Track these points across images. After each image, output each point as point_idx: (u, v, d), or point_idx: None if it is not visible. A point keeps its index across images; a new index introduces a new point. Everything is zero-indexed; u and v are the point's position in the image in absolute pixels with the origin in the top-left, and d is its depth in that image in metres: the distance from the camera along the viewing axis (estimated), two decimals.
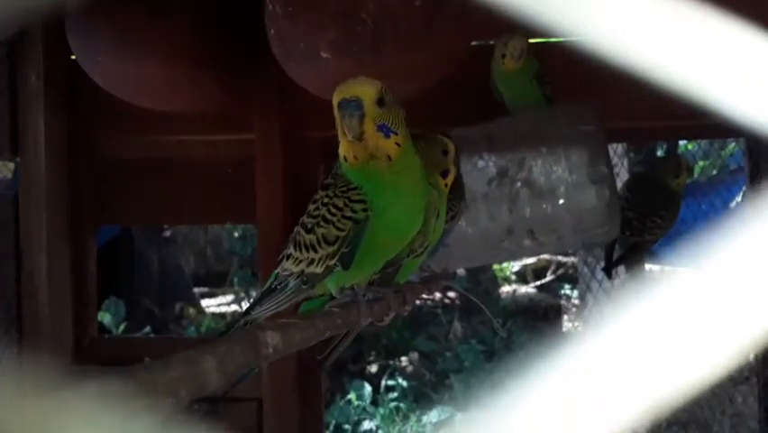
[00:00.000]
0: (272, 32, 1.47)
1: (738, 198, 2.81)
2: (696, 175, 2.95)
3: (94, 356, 1.96)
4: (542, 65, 1.72)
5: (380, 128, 0.86)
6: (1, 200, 1.89)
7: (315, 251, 0.93)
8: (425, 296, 1.29)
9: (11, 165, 2.12)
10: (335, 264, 0.92)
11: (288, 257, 0.98)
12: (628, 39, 0.40)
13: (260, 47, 1.55)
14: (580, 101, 1.70)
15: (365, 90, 0.86)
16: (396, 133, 0.87)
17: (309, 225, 0.94)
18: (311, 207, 0.96)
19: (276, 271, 1.01)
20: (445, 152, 1.09)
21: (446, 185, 1.08)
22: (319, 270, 0.93)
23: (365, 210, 0.88)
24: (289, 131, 1.87)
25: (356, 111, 0.85)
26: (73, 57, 1.74)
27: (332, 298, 1.02)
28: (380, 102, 0.87)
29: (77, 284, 1.95)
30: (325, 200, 0.92)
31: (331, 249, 0.91)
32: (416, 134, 1.02)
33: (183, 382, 0.53)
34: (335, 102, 0.87)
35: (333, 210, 0.90)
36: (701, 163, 2.84)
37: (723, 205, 2.86)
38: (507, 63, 1.69)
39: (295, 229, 1.00)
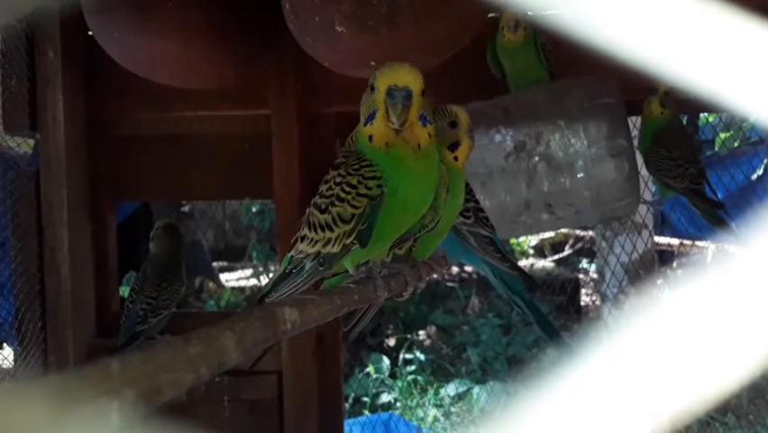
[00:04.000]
0: (287, 6, 1.46)
1: (760, 171, 2.77)
2: (717, 148, 2.90)
3: (116, 330, 2.00)
4: (545, 41, 1.69)
5: (421, 117, 0.88)
6: (22, 176, 1.91)
7: (332, 230, 0.93)
8: (434, 276, 1.28)
9: (31, 141, 2.14)
10: (353, 243, 0.92)
11: (303, 239, 0.98)
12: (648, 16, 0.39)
13: (276, 22, 1.55)
14: (598, 74, 1.67)
15: (415, 80, 0.86)
16: (431, 123, 0.89)
17: (323, 206, 0.94)
18: (323, 187, 0.96)
19: (290, 255, 1.01)
20: (454, 124, 1.03)
21: (456, 158, 1.03)
22: (336, 249, 0.94)
23: (380, 186, 0.89)
24: (305, 106, 1.87)
25: (407, 101, 0.85)
26: (90, 33, 1.74)
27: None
28: (423, 92, 0.88)
29: (98, 259, 1.98)
30: (338, 180, 0.92)
31: (347, 227, 0.91)
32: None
33: (203, 358, 0.53)
34: (383, 87, 0.86)
35: (348, 189, 0.91)
36: (722, 135, 2.79)
37: (744, 178, 2.82)
38: (507, 35, 1.67)
39: (307, 210, 0.99)
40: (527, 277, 1.30)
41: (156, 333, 1.85)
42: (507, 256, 1.25)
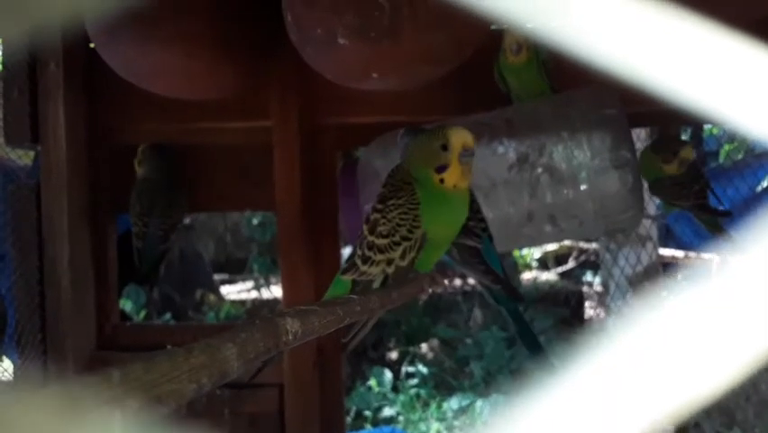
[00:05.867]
0: (289, 18, 1.46)
1: (765, 183, 2.76)
2: (721, 159, 2.89)
3: (116, 343, 1.99)
4: (547, 57, 1.69)
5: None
6: (23, 188, 1.91)
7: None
8: (445, 282, 1.30)
9: (31, 154, 2.14)
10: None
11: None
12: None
13: (277, 33, 1.55)
14: (600, 85, 1.67)
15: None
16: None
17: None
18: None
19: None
20: (444, 147, 1.04)
21: (442, 180, 1.05)
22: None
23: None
24: (306, 117, 1.87)
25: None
26: (92, 45, 1.74)
27: (353, 286, 1.09)
28: None
29: (98, 271, 1.97)
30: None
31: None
32: (427, 128, 1.05)
33: (205, 369, 0.53)
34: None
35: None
36: (726, 147, 2.79)
37: (748, 190, 2.81)
38: (508, 57, 1.67)
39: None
40: (512, 290, 1.29)
41: (172, 247, 1.93)
42: (492, 268, 1.24)
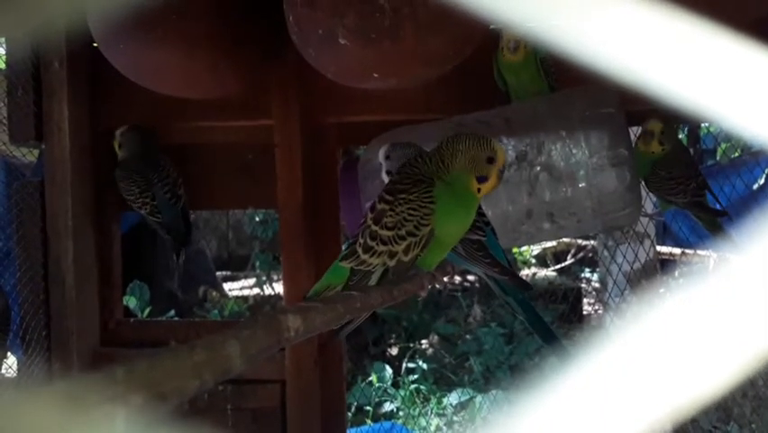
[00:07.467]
0: (291, 18, 1.47)
1: (761, 181, 2.77)
2: (718, 157, 2.90)
3: (120, 339, 2.00)
4: (546, 56, 1.70)
5: None
6: (27, 186, 1.92)
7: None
8: (445, 279, 1.31)
9: (36, 151, 2.15)
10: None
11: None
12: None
13: (279, 33, 1.56)
14: (598, 84, 1.68)
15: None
16: None
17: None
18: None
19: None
20: (491, 160, 1.08)
21: (479, 189, 1.09)
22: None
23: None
24: (308, 116, 1.88)
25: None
26: (95, 44, 1.76)
27: (347, 281, 1.10)
28: None
29: (102, 268, 1.99)
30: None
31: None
32: (464, 133, 1.08)
33: (208, 365, 0.54)
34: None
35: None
36: (723, 145, 2.79)
37: (745, 188, 2.81)
38: (505, 55, 1.69)
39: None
40: (520, 280, 1.31)
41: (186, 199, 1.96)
42: (498, 261, 1.26)
